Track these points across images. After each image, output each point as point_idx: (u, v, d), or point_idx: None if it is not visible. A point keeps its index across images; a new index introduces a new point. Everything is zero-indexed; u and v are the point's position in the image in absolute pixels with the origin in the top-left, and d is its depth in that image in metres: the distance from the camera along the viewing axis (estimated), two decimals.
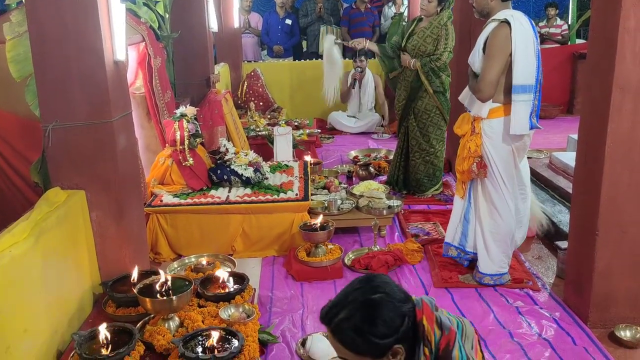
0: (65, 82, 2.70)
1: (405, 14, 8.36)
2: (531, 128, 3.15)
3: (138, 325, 2.54)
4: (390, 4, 9.06)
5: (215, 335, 2.31)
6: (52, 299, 2.41)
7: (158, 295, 2.49)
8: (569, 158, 4.83)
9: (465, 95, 3.37)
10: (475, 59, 3.21)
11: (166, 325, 2.49)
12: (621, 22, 2.60)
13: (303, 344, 2.88)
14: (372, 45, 5.23)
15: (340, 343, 1.47)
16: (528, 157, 5.35)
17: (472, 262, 3.56)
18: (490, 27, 3.14)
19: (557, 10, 9.16)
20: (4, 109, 3.62)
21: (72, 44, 2.67)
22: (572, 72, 8.36)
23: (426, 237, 4.18)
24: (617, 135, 2.75)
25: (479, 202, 3.37)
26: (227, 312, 2.62)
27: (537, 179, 4.92)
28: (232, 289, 2.83)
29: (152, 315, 2.57)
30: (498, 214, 3.31)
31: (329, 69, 6.08)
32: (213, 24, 5.91)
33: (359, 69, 7.21)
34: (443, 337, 1.48)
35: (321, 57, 8.73)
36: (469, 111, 3.32)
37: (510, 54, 3.07)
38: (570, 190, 4.28)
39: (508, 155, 3.23)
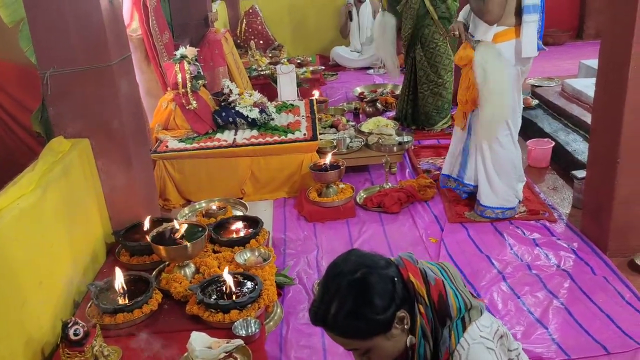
0: (59, 25, 2.56)
1: None
2: (538, 49, 3.05)
3: (154, 273, 2.51)
4: None
5: (230, 279, 2.27)
6: (65, 250, 2.37)
7: (172, 243, 2.45)
8: (582, 85, 4.69)
9: (470, 19, 3.20)
10: None
11: (182, 272, 2.46)
12: None
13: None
14: None
15: (344, 336, 1.35)
16: (539, 86, 5.28)
17: (472, 195, 3.50)
18: None
19: None
20: None
21: None
22: None
23: (438, 172, 4.10)
24: None
25: (478, 135, 3.28)
26: (243, 256, 2.59)
27: (550, 108, 4.79)
28: (246, 233, 2.78)
29: (167, 263, 2.54)
30: (499, 144, 3.22)
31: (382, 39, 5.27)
32: None
33: None
34: (432, 289, 1.39)
35: None
36: (472, 36, 3.17)
37: None
38: (584, 118, 4.20)
39: (514, 81, 3.13)
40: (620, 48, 2.68)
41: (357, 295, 1.32)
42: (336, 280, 1.34)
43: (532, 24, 2.97)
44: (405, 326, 1.37)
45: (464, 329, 1.38)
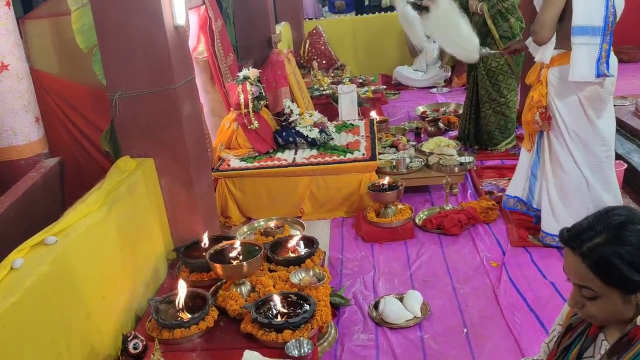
0: (128, 50, 2.70)
1: None
2: (598, 76, 2.83)
3: (211, 290, 2.56)
4: None
5: (278, 302, 2.32)
6: (128, 266, 2.47)
7: (230, 261, 2.49)
8: None
9: (530, 41, 3.13)
10: (538, 0, 2.97)
11: (238, 290, 2.50)
12: None
13: (376, 306, 2.84)
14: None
15: (589, 268, 1.30)
16: None
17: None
18: None
19: None
20: (74, 80, 3.69)
21: (133, 11, 2.65)
22: None
23: (501, 194, 3.97)
24: None
25: (545, 156, 3.17)
26: (298, 276, 2.60)
27: (622, 128, 4.57)
28: (302, 253, 2.80)
29: (224, 280, 2.58)
30: (562, 169, 3.09)
31: (408, 28, 5.68)
32: None
33: None
34: None
35: (384, 9, 8.46)
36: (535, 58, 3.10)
37: None
38: None
39: (576, 106, 2.98)
40: None
41: (629, 244, 1.28)
42: (618, 220, 1.31)
43: (583, 46, 2.81)
44: None
45: None
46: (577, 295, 1.36)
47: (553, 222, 3.18)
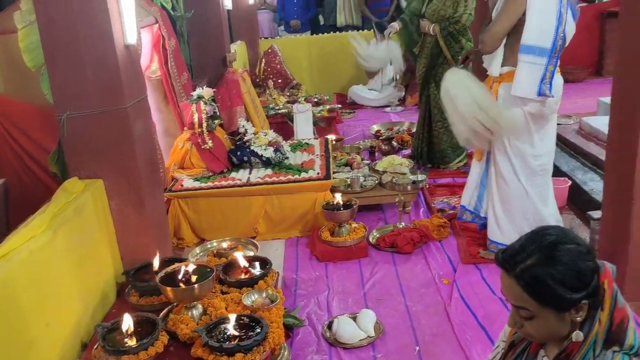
0: (76, 69, 2.64)
1: None
2: (539, 95, 2.93)
3: (162, 314, 2.51)
4: None
5: (235, 323, 2.28)
6: (74, 291, 2.40)
7: (180, 284, 2.45)
8: (600, 123, 4.64)
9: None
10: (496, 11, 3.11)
11: (189, 313, 2.46)
12: None
13: (329, 326, 2.84)
14: (398, 24, 5.23)
15: (523, 289, 1.33)
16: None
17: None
18: None
19: None
20: (20, 99, 3.59)
21: (81, 30, 2.60)
22: (601, 32, 8.04)
23: (452, 211, 4.07)
24: None
25: (491, 167, 3.29)
26: (251, 298, 2.58)
27: (566, 146, 4.75)
28: (255, 274, 2.78)
29: (175, 304, 2.54)
30: (503, 179, 3.20)
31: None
32: (227, 2, 5.79)
33: None
34: (617, 310, 1.34)
35: (339, 29, 8.54)
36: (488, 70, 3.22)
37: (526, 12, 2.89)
38: (601, 157, 4.13)
39: (520, 122, 3.07)
40: (632, 86, 2.67)
41: (560, 263, 1.30)
42: (549, 240, 1.34)
43: (528, 64, 2.91)
44: (578, 318, 1.34)
45: None
46: (515, 315, 1.40)
47: (497, 231, 3.28)
